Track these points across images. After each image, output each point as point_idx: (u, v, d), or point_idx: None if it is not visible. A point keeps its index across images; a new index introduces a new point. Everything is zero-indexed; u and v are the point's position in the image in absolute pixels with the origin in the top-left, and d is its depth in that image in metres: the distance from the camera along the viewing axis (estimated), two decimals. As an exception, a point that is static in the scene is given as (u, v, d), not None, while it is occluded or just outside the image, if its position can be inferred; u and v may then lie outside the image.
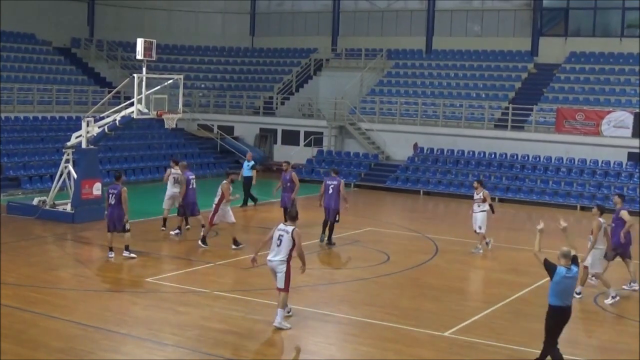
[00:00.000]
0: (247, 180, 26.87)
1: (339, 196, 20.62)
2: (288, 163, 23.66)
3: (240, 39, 46.02)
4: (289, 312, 13.90)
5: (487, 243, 20.73)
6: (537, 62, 38.74)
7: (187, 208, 21.03)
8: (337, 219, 20.83)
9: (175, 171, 21.78)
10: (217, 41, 45.58)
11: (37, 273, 16.75)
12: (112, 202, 18.11)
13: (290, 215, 13.86)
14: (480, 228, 20.43)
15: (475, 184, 20.94)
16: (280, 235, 13.53)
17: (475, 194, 20.69)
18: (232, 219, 19.86)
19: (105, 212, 18.39)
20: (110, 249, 18.22)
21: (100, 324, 13.31)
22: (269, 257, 13.57)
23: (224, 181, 19.78)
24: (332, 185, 20.80)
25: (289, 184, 22.78)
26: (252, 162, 26.98)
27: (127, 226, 18.25)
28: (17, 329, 12.87)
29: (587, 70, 36.81)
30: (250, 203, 27.04)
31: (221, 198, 19.52)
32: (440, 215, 28.80)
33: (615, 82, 35.62)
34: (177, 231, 21.27)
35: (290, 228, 13.53)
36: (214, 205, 19.62)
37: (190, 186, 21.00)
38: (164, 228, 21.77)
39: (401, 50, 41.62)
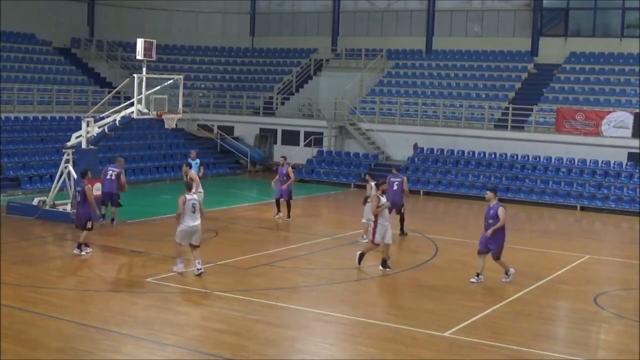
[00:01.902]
0: None
1: (402, 192, 22.18)
2: (284, 158, 25.22)
3: (240, 39, 46.03)
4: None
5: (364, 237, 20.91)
6: (537, 62, 38.74)
7: (104, 197, 21.88)
8: (402, 210, 22.37)
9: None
10: (217, 41, 45.58)
11: (37, 273, 16.74)
12: (78, 200, 18.40)
13: (189, 186, 16.82)
14: (367, 220, 20.40)
15: (367, 177, 21.94)
16: (193, 204, 16.44)
17: None
18: (390, 239, 17.99)
19: (73, 210, 18.96)
20: (86, 245, 18.45)
21: (100, 324, 13.30)
22: (190, 224, 16.38)
23: (374, 193, 18.17)
24: (396, 182, 22.10)
25: (285, 178, 24.15)
26: (198, 161, 26.73)
27: (89, 225, 18.22)
28: (17, 329, 12.86)
29: (587, 70, 36.81)
30: None
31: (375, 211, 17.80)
32: (440, 215, 28.81)
33: (615, 82, 35.61)
34: (102, 220, 21.88)
35: (196, 196, 16.70)
36: (371, 222, 18.02)
37: (107, 177, 21.91)
38: None
39: (401, 50, 41.62)
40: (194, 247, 16.72)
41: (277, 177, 24.51)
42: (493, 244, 16.85)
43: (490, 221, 16.73)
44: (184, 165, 23.49)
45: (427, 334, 13.45)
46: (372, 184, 20.24)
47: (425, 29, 41.48)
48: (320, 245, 21.12)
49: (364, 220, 20.54)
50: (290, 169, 24.43)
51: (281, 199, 24.46)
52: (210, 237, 21.20)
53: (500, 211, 16.64)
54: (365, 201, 20.33)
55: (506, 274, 17.21)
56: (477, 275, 17.07)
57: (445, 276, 17.94)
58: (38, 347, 12.13)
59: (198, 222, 16.55)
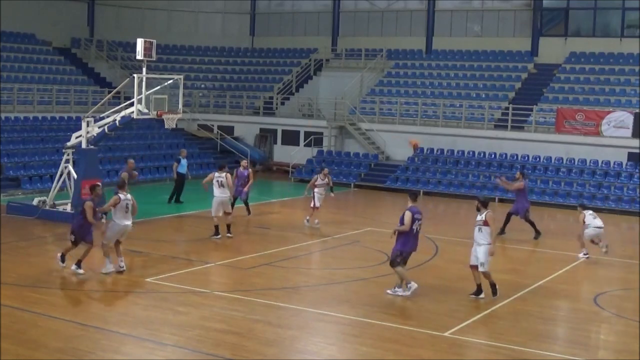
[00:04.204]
0: (183, 178, 26.88)
1: (524, 195, 23.60)
2: (246, 161, 25.66)
3: (240, 39, 46.03)
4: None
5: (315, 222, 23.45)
6: (537, 62, 38.74)
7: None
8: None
9: (219, 175, 21.00)
10: (217, 41, 45.58)
11: (37, 273, 16.73)
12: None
13: (120, 184, 17.10)
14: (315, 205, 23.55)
15: (325, 170, 24.36)
16: (127, 204, 16.72)
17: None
18: (484, 267, 15.82)
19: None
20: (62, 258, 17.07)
21: (100, 324, 13.31)
22: (123, 223, 16.62)
23: (488, 212, 15.85)
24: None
25: (246, 180, 24.09)
26: (185, 161, 27.11)
27: (71, 237, 16.74)
28: (17, 329, 12.87)
29: (587, 70, 36.81)
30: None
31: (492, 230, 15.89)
32: (440, 215, 28.79)
33: (615, 82, 35.62)
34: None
35: (130, 195, 16.80)
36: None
37: None
38: (217, 236, 20.92)
39: (401, 50, 41.62)
40: (119, 242, 16.89)
41: (235, 178, 23.34)
42: (396, 245, 15.62)
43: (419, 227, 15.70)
44: (174, 162, 26.25)
45: (427, 334, 13.45)
46: (322, 175, 23.64)
47: (425, 29, 41.49)
48: (320, 245, 21.13)
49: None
50: (251, 171, 24.31)
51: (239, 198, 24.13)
52: (209, 236, 21.15)
53: (406, 215, 15.52)
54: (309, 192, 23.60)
55: (396, 286, 15.76)
56: (406, 285, 15.75)
57: (445, 276, 17.95)
58: (38, 347, 12.12)
59: (130, 221, 16.81)
